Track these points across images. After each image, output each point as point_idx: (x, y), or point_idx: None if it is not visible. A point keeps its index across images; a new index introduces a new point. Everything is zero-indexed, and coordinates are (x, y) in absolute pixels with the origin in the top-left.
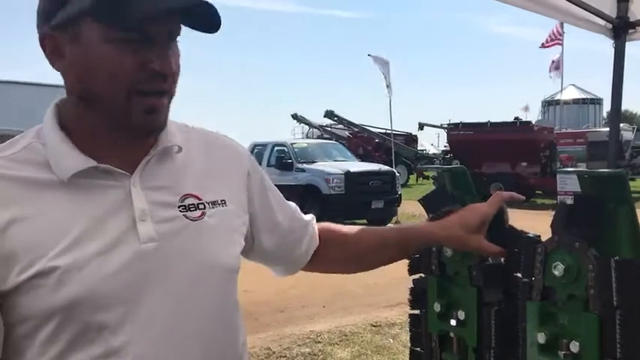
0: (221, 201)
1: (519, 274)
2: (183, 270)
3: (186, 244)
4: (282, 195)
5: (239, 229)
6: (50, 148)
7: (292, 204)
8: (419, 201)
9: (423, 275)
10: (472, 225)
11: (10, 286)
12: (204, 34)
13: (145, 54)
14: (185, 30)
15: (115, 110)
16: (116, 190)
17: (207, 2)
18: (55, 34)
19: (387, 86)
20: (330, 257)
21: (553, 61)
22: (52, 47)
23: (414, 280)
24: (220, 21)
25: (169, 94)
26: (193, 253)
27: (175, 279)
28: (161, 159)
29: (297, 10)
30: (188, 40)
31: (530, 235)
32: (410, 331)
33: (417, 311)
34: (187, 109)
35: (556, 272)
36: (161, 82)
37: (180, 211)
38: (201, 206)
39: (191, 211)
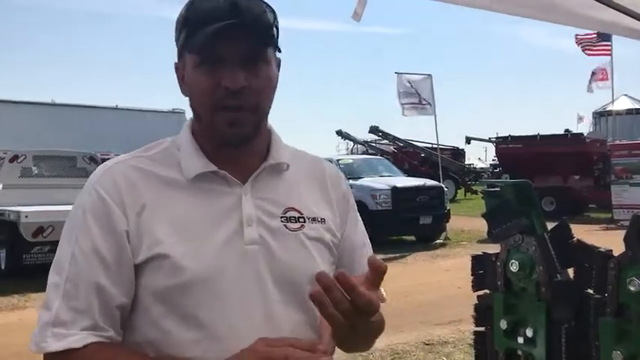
0: (321, 219)
1: (590, 291)
2: (277, 273)
3: (283, 251)
4: (363, 225)
5: (332, 246)
6: (183, 151)
7: (367, 242)
8: (483, 216)
9: (487, 291)
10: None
11: (140, 261)
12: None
13: (219, 74)
14: None
15: (207, 125)
16: (230, 196)
17: (256, 21)
18: (179, 64)
19: (424, 103)
20: None
21: (594, 73)
22: (179, 74)
23: (478, 296)
24: (272, 34)
25: (250, 107)
26: (287, 259)
27: (269, 280)
28: (270, 173)
29: (338, 28)
30: None
31: (602, 250)
32: (475, 349)
33: (481, 328)
34: None
35: (631, 288)
36: (233, 97)
37: (281, 221)
38: (301, 220)
39: (291, 222)
